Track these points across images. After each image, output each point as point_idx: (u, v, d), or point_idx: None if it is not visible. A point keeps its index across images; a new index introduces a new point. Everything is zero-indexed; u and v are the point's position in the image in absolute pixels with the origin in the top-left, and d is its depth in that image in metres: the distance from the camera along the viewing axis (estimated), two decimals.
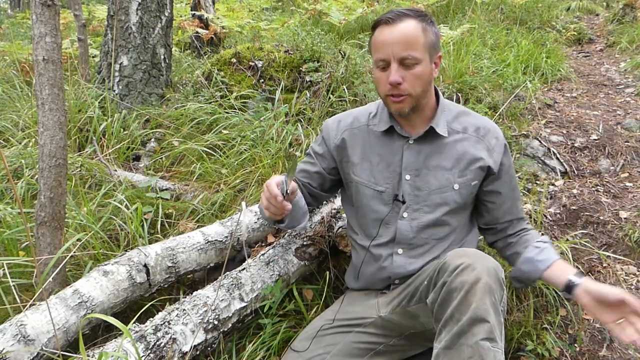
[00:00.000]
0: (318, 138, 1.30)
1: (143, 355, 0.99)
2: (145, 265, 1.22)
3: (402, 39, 1.03)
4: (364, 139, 1.20)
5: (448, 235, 1.17)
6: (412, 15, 1.05)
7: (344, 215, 1.48)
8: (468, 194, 1.15)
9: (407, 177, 1.15)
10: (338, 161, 1.25)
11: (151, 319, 1.09)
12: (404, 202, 1.16)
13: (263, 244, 1.51)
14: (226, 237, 1.42)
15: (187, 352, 1.06)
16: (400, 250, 1.17)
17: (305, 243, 1.43)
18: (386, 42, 1.04)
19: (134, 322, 1.06)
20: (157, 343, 1.02)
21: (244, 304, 1.22)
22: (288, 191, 1.05)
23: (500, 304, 0.87)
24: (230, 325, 1.19)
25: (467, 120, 1.17)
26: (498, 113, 2.52)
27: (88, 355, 0.96)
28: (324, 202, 1.54)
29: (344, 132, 1.23)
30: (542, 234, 1.22)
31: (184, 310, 1.11)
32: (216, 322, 1.14)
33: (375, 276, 1.22)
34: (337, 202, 1.60)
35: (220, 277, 1.21)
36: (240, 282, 1.24)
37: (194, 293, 1.20)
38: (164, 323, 1.07)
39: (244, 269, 1.30)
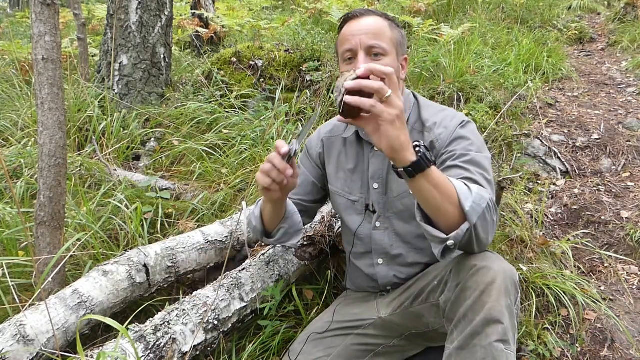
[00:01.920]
0: (303, 150, 1.29)
1: (143, 356, 0.99)
2: (145, 265, 1.21)
3: (369, 29, 1.02)
4: (340, 148, 1.19)
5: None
6: (378, 14, 1.06)
7: None
8: None
9: (375, 185, 1.12)
10: (322, 169, 1.25)
11: (151, 319, 1.09)
12: (374, 212, 1.13)
13: (263, 244, 1.50)
14: (226, 237, 1.41)
15: (187, 352, 1.05)
16: (380, 261, 1.16)
17: (305, 243, 1.43)
18: (353, 32, 1.03)
19: (135, 323, 1.06)
20: (157, 343, 1.02)
21: (244, 304, 1.21)
22: (296, 151, 0.95)
23: (515, 307, 0.86)
24: (230, 325, 1.18)
25: (427, 115, 1.09)
26: (500, 114, 2.51)
27: (87, 356, 0.95)
28: (316, 213, 1.42)
29: (323, 140, 1.23)
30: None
31: (183, 310, 1.11)
32: (216, 322, 1.14)
33: (364, 283, 1.22)
34: None
35: (220, 277, 1.21)
36: (241, 282, 1.24)
37: (194, 293, 1.19)
38: (163, 323, 1.06)
39: (244, 268, 1.30)
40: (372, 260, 1.17)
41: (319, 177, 1.26)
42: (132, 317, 1.08)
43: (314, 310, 1.37)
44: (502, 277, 0.84)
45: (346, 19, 1.07)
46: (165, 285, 1.29)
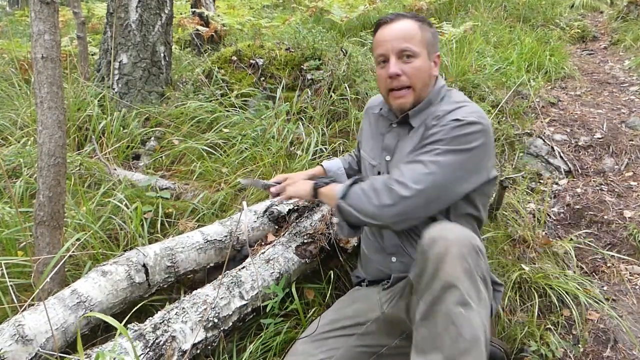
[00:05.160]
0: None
1: (142, 354, 0.98)
2: (144, 265, 1.21)
3: (399, 33, 1.11)
4: (371, 119, 1.34)
5: None
6: (408, 16, 1.15)
7: None
8: None
9: (387, 157, 1.22)
10: None
11: (150, 317, 1.09)
12: None
13: (263, 243, 1.50)
14: (225, 236, 1.41)
15: (187, 350, 1.04)
16: (393, 259, 1.20)
17: (305, 241, 1.42)
18: (385, 37, 1.13)
19: (134, 322, 1.06)
20: (156, 341, 1.01)
21: (244, 302, 1.21)
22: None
23: (478, 271, 0.88)
24: (230, 323, 1.18)
25: (444, 109, 1.10)
26: (502, 111, 2.50)
27: (86, 356, 0.95)
28: None
29: (365, 114, 1.38)
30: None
31: (183, 308, 1.10)
32: (216, 320, 1.13)
33: (379, 271, 1.24)
34: None
35: (220, 276, 1.20)
36: (240, 280, 1.23)
37: (194, 292, 1.19)
38: (162, 321, 1.06)
39: (243, 267, 1.29)
40: (385, 257, 1.21)
41: None
42: (129, 314, 1.07)
43: (314, 310, 1.36)
44: (457, 245, 0.88)
45: (378, 24, 1.17)
46: (165, 286, 1.28)
